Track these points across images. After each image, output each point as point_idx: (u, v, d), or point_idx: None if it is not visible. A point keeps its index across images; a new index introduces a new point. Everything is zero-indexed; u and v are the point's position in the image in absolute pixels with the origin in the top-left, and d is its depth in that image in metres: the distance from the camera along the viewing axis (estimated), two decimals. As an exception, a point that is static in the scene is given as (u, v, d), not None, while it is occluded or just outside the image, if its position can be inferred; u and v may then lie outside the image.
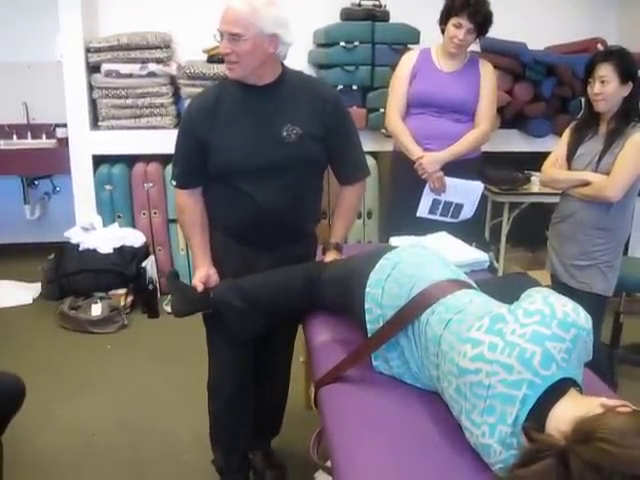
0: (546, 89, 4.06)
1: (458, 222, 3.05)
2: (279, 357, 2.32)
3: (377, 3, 4.11)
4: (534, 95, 4.09)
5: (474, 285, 1.61)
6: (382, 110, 3.71)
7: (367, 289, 1.64)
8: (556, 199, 2.82)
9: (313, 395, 1.66)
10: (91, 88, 4.06)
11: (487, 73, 3.05)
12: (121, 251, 3.95)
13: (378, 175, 4.10)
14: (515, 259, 4.44)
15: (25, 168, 4.59)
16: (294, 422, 2.52)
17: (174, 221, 4.14)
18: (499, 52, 3.93)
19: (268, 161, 1.92)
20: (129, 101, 4.02)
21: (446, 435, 1.34)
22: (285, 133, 1.91)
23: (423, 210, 3.05)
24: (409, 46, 3.92)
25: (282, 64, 1.96)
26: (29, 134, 4.69)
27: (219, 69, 3.91)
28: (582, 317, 1.24)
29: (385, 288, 1.61)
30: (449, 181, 2.99)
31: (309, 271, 1.98)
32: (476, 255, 2.33)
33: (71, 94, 4.02)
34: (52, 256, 4.05)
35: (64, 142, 4.28)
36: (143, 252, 4.06)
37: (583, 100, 2.68)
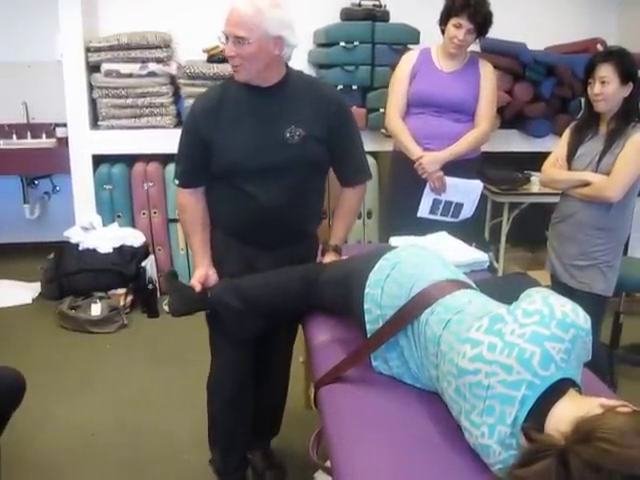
0: (546, 89, 4.06)
1: (458, 222, 3.05)
2: (279, 357, 2.32)
3: (377, 3, 4.11)
4: (534, 95, 4.09)
5: (473, 285, 1.61)
6: (382, 110, 3.71)
7: (366, 289, 1.65)
8: (556, 199, 2.82)
9: (313, 395, 1.66)
10: (91, 88, 4.06)
11: (487, 73, 3.05)
12: (121, 251, 3.95)
13: (378, 175, 4.10)
14: (515, 259, 4.44)
15: (25, 168, 4.59)
16: (294, 422, 2.52)
17: (174, 221, 4.14)
18: (499, 52, 3.93)
19: (271, 162, 1.92)
20: (129, 101, 4.02)
21: (446, 435, 1.34)
22: (288, 134, 1.91)
23: (424, 210, 3.05)
24: (409, 46, 3.92)
25: (286, 65, 1.96)
26: (29, 134, 4.68)
27: (219, 69, 3.92)
28: (581, 317, 1.24)
29: (384, 288, 1.61)
30: (449, 181, 2.99)
31: (308, 272, 1.98)
32: (476, 255, 2.33)
33: (71, 94, 4.02)
34: (52, 256, 4.06)
35: (64, 142, 4.28)
36: (143, 252, 4.06)
37: (583, 100, 2.68)
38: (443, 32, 2.98)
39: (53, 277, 3.94)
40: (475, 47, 3.37)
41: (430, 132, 3.01)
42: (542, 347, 1.18)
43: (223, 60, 3.92)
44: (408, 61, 3.07)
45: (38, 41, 4.57)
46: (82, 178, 4.13)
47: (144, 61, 3.97)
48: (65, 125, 4.18)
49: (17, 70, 4.60)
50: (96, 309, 3.71)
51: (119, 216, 4.17)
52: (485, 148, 3.22)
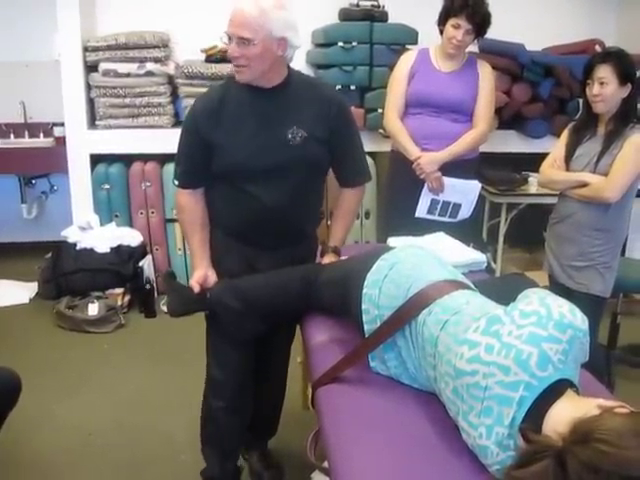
0: (544, 90, 4.06)
1: (456, 223, 3.05)
2: (277, 358, 2.31)
3: (375, 3, 4.10)
4: (532, 96, 4.10)
5: (471, 286, 1.61)
6: (380, 110, 3.71)
7: (364, 290, 1.65)
8: (554, 200, 2.82)
9: (310, 395, 1.66)
10: (89, 87, 4.05)
11: (485, 74, 3.06)
12: (118, 250, 3.95)
13: (376, 175, 4.10)
14: (513, 260, 4.45)
15: (22, 167, 4.57)
16: (291, 423, 2.52)
17: (171, 221, 4.13)
18: (497, 53, 3.93)
19: (273, 163, 1.92)
20: (127, 100, 4.01)
21: (443, 436, 1.34)
22: (290, 136, 1.91)
23: (422, 210, 3.05)
24: (407, 46, 3.92)
25: (288, 66, 1.96)
26: (26, 133, 4.67)
27: (217, 69, 3.91)
28: (578, 318, 1.24)
29: (382, 289, 1.61)
30: (447, 181, 2.99)
31: (307, 273, 1.98)
32: (474, 256, 2.33)
33: (69, 93, 4.02)
34: (49, 255, 4.05)
35: (61, 141, 4.27)
36: (140, 252, 4.05)
37: (581, 101, 2.68)
38: (441, 32, 2.98)
39: (50, 277, 3.93)
40: (473, 47, 3.36)
41: (428, 132, 3.01)
42: (539, 348, 1.18)
43: (221, 60, 3.92)
44: (406, 61, 3.08)
45: (36, 40, 4.56)
46: (80, 178, 4.12)
47: (142, 61, 3.97)
48: (63, 124, 4.17)
49: (15, 69, 4.59)
50: (93, 309, 3.70)
51: (117, 216, 4.17)
52: (483, 148, 3.22)
